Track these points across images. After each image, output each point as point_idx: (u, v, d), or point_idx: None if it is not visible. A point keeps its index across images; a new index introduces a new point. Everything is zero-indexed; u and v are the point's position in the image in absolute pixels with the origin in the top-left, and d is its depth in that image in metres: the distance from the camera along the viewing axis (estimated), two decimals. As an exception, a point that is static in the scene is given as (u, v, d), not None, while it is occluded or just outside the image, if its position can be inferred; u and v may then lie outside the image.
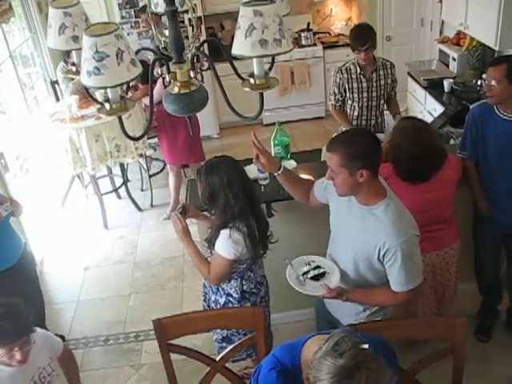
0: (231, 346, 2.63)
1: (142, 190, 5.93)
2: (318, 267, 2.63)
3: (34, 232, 4.92)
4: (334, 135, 3.35)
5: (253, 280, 2.90)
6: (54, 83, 6.11)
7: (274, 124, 3.88)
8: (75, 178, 5.84)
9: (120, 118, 1.52)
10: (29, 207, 4.03)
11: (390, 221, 2.29)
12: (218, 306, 2.91)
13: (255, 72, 1.47)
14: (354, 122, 4.30)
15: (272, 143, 3.53)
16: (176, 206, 5.35)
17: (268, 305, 3.08)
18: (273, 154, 3.51)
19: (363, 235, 2.37)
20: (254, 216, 2.72)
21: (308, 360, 1.74)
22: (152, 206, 5.68)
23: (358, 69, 4.13)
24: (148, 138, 5.43)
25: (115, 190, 5.79)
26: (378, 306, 2.56)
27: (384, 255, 2.33)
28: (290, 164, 3.44)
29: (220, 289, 2.90)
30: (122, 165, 5.49)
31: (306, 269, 2.63)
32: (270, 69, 1.53)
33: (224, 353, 2.60)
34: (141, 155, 5.47)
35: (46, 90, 6.36)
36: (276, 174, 2.72)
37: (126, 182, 5.68)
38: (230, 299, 2.88)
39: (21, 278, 3.51)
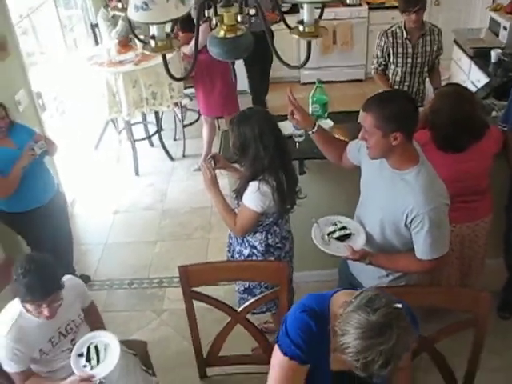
0: (254, 299, 2.66)
1: (175, 140, 5.93)
2: (344, 228, 2.60)
3: (67, 173, 4.99)
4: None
5: (278, 234, 2.90)
6: (93, 26, 6.09)
7: (311, 83, 3.83)
8: (110, 122, 5.88)
9: (164, 57, 1.50)
10: (63, 148, 4.07)
11: (420, 187, 2.26)
12: (242, 257, 2.92)
13: (305, 19, 1.43)
14: (396, 87, 4.22)
15: (310, 101, 3.48)
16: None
17: (292, 260, 3.09)
18: (310, 111, 3.47)
19: (392, 199, 2.34)
20: (283, 170, 2.70)
21: (336, 311, 1.76)
22: (184, 156, 5.70)
23: (405, 33, 4.01)
24: (184, 88, 5.40)
25: (148, 137, 5.82)
26: (401, 272, 2.54)
27: (411, 221, 2.30)
28: (327, 123, 3.40)
29: (245, 240, 2.91)
30: (156, 113, 5.50)
31: (331, 229, 2.61)
32: (319, 17, 1.48)
33: (246, 304, 2.62)
34: (176, 104, 5.45)
35: (85, 32, 6.35)
36: (311, 132, 2.70)
37: (159, 130, 5.69)
38: (255, 251, 2.90)
39: (51, 218, 3.59)
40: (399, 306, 1.63)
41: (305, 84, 6.57)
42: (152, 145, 5.90)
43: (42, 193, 3.52)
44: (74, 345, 2.57)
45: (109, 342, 2.45)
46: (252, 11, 1.63)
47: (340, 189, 3.53)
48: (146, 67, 4.84)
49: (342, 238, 2.56)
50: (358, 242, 2.51)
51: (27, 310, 2.39)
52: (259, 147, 2.62)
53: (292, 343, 1.85)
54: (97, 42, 6.05)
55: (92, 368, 2.37)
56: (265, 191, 2.66)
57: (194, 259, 4.08)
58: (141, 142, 5.63)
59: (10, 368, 2.43)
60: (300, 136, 3.38)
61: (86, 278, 4.10)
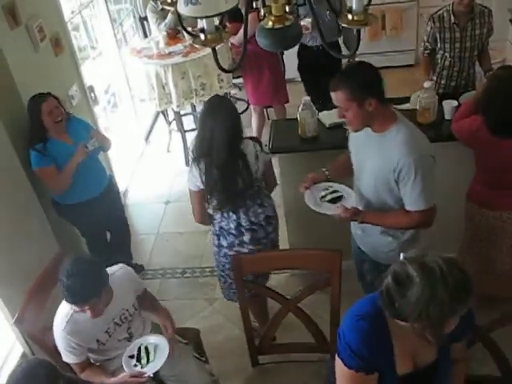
0: (305, 286, 2.67)
1: (225, 130, 5.95)
2: (335, 191, 2.69)
3: (119, 164, 5.10)
4: (424, 83, 3.26)
5: (234, 222, 2.95)
6: (142, 20, 6.17)
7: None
8: (160, 114, 5.95)
9: (214, 50, 1.51)
10: (115, 140, 4.16)
11: (401, 140, 2.35)
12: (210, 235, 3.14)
13: (354, 7, 1.42)
14: (445, 72, 4.11)
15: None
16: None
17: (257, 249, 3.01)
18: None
19: (380, 161, 2.42)
20: (218, 169, 2.75)
21: None
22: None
23: (452, 17, 3.86)
24: (233, 78, 5.42)
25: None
26: (393, 227, 2.59)
27: (399, 174, 2.37)
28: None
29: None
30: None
31: (323, 193, 2.69)
32: (368, 4, 1.47)
33: (298, 292, 2.64)
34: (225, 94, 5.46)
35: (134, 26, 6.45)
36: (327, 177, 2.78)
37: (209, 120, 5.70)
38: (212, 229, 3.07)
39: (104, 208, 3.69)
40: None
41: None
42: (201, 135, 5.92)
43: (95, 185, 3.63)
44: (129, 333, 2.65)
45: (158, 343, 2.55)
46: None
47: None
48: (194, 58, 4.88)
49: (333, 201, 2.65)
50: (349, 203, 2.61)
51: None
52: (206, 135, 2.73)
53: (355, 355, 1.79)
54: (146, 35, 6.13)
55: (142, 367, 2.48)
56: (193, 172, 2.81)
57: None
58: (190, 132, 5.69)
59: (69, 359, 2.52)
60: (349, 124, 3.35)
61: (139, 268, 4.20)
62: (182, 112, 5.48)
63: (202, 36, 1.45)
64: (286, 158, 3.52)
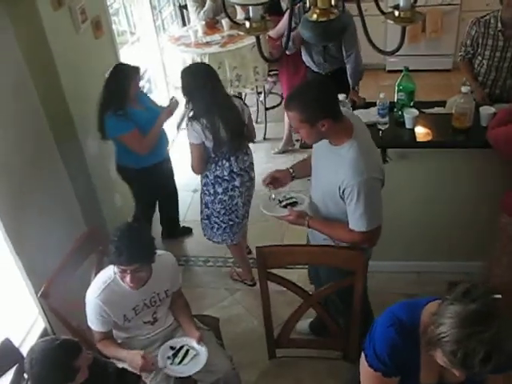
0: (327, 285, 2.67)
1: (257, 122, 5.90)
2: (291, 198, 2.78)
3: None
4: (462, 88, 3.22)
5: (227, 168, 3.42)
6: (182, 8, 6.19)
7: (397, 71, 3.75)
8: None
9: (258, 38, 1.52)
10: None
11: (350, 159, 2.34)
12: (203, 188, 3.56)
13: (401, 4, 1.41)
14: (480, 78, 3.98)
15: (396, 88, 3.41)
16: (289, 141, 5.39)
17: (244, 196, 3.57)
18: (396, 99, 3.40)
19: (329, 173, 2.45)
20: (220, 117, 3.23)
21: (427, 321, 1.67)
22: (265, 138, 5.72)
23: (499, 24, 3.71)
24: (269, 72, 5.42)
25: (231, 118, 5.86)
26: (337, 240, 2.59)
27: (343, 193, 2.39)
28: (412, 112, 3.32)
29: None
30: (239, 94, 5.53)
31: (281, 199, 2.79)
32: (415, 1, 1.45)
33: (320, 289, 2.64)
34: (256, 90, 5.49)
35: (173, 14, 6.47)
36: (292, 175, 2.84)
37: (242, 112, 5.71)
38: (207, 180, 3.49)
39: (164, 175, 4.06)
40: (499, 296, 1.56)
41: (390, 71, 6.44)
42: (234, 126, 5.93)
43: (161, 149, 3.91)
44: (154, 318, 2.69)
45: (199, 353, 2.60)
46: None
47: (422, 179, 3.47)
48: (231, 49, 4.91)
49: (287, 206, 2.72)
50: (301, 208, 2.69)
51: (116, 274, 2.50)
52: (198, 95, 3.22)
53: (377, 357, 1.80)
54: (184, 24, 6.16)
55: (171, 364, 2.56)
56: (195, 127, 3.23)
57: (269, 242, 4.14)
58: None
59: (94, 326, 2.58)
60: (384, 124, 3.33)
61: (188, 230, 4.54)
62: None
63: (248, 24, 1.46)
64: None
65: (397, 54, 5.11)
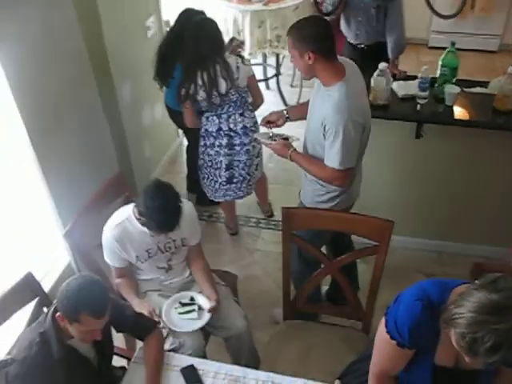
0: (349, 254, 2.65)
1: (292, 86, 5.88)
2: (286, 137, 2.88)
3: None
4: (509, 69, 3.13)
5: (215, 126, 3.49)
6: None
7: (439, 48, 3.67)
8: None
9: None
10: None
11: (335, 99, 2.46)
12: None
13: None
14: None
15: (440, 63, 3.32)
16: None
17: (228, 158, 3.58)
18: (438, 74, 3.32)
19: (318, 112, 2.58)
20: (202, 70, 3.31)
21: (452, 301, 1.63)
22: (298, 103, 5.59)
23: None
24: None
25: (266, 79, 5.81)
26: (313, 175, 2.74)
27: (325, 129, 2.51)
28: (453, 88, 3.24)
29: None
30: (277, 56, 5.45)
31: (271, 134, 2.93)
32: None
33: (342, 257, 2.62)
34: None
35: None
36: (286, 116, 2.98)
37: (278, 74, 5.64)
38: (199, 133, 3.58)
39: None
40: None
41: (432, 48, 6.27)
42: (268, 87, 5.88)
43: None
44: (169, 265, 2.71)
45: (201, 318, 2.62)
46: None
47: (455, 158, 3.42)
48: (274, 9, 4.83)
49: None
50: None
51: (135, 217, 2.52)
52: (184, 46, 3.33)
53: (397, 327, 1.78)
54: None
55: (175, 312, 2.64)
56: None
57: (292, 205, 4.14)
58: (259, 83, 5.64)
59: (109, 261, 2.65)
60: (423, 98, 3.27)
61: None
62: (252, 61, 5.43)
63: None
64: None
65: (441, 30, 5.07)
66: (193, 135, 3.81)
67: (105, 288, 2.03)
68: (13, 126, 2.88)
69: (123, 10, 3.83)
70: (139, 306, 2.55)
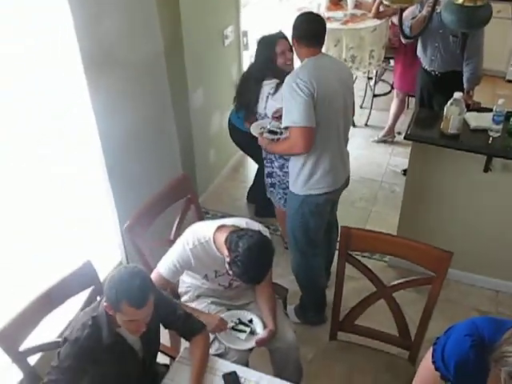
0: (405, 279, 2.61)
1: (361, 107, 5.85)
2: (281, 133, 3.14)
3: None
4: None
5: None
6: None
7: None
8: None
9: (402, 11, 1.48)
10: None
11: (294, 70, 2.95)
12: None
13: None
14: None
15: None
16: (390, 132, 5.29)
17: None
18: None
19: None
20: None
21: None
22: (366, 124, 5.64)
23: None
24: (384, 58, 5.30)
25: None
26: (283, 151, 3.09)
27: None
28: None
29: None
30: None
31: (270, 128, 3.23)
32: None
33: (397, 282, 2.59)
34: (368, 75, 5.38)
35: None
36: None
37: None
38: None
39: None
40: None
41: (509, 82, 6.15)
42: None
43: None
44: (230, 284, 2.70)
45: (251, 339, 2.62)
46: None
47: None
48: (351, 29, 4.83)
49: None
50: (277, 137, 3.16)
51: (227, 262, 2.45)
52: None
53: (442, 359, 1.72)
54: (309, -4, 6.09)
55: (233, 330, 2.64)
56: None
57: (353, 224, 4.10)
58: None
59: (163, 270, 2.56)
60: (496, 132, 3.20)
61: None
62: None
63: (392, -5, 1.43)
64: (420, 148, 3.42)
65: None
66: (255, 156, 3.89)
67: (146, 280, 2.05)
68: (87, 126, 3.00)
69: (204, 16, 3.92)
70: (209, 317, 2.58)
